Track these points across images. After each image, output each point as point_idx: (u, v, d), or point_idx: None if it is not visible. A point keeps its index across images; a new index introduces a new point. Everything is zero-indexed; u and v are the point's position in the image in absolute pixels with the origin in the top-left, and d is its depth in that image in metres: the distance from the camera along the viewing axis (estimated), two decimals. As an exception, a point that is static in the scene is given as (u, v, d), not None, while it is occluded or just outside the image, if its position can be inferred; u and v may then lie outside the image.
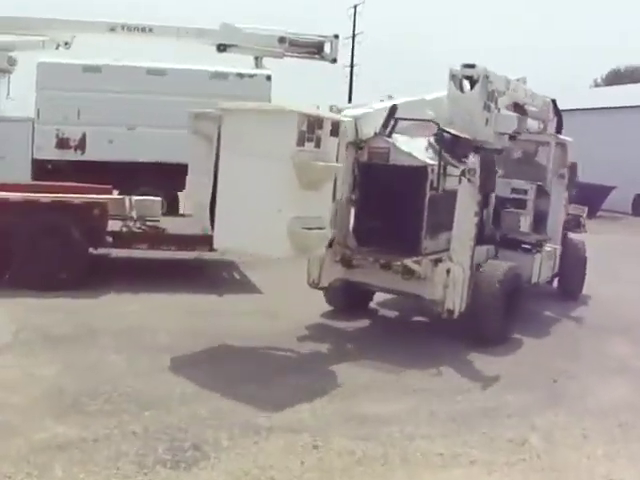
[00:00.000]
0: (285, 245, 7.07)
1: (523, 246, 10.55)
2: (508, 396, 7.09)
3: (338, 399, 6.66)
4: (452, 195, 8.40)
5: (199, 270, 11.96)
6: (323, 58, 17.84)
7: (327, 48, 17.79)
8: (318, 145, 7.20)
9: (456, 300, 8.21)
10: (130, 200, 11.62)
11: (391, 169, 8.44)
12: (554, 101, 11.51)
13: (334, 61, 17.93)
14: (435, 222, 8.53)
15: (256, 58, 17.89)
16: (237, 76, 16.25)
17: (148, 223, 11.17)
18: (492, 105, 9.03)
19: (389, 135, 8.78)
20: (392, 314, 10.20)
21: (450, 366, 7.87)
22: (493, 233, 10.06)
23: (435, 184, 8.42)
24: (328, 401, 6.59)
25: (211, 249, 10.56)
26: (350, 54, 57.28)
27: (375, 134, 8.68)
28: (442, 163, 8.48)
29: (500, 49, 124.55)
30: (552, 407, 6.90)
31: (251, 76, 16.41)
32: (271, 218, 6.96)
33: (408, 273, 8.51)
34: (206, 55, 17.84)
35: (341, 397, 6.72)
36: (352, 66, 59.41)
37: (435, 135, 8.89)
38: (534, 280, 10.38)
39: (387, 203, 8.24)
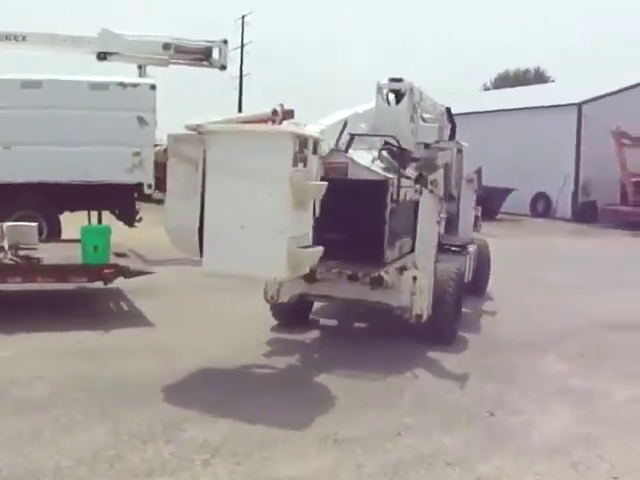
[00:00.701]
0: (284, 265, 7.07)
1: (452, 249, 11.16)
2: (444, 438, 6.17)
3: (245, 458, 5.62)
4: (405, 205, 8.88)
5: (82, 301, 10.79)
6: (212, 65, 16.90)
7: (215, 54, 16.87)
8: (305, 164, 7.21)
9: (423, 305, 8.62)
10: (1, 227, 10.43)
11: (350, 183, 8.45)
12: (448, 109, 11.66)
13: (223, 68, 17.00)
14: (393, 232, 8.71)
15: (140, 67, 16.82)
16: (119, 86, 15.04)
17: (21, 253, 9.94)
18: (415, 117, 9.82)
19: (346, 150, 8.81)
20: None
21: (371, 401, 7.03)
22: None
23: (395, 196, 8.60)
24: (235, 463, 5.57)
25: (90, 280, 9.62)
26: (239, 64, 57.17)
27: (332, 150, 8.55)
28: (398, 176, 8.74)
29: (387, 54, 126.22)
30: (495, 449, 6.00)
31: (134, 85, 15.21)
32: (271, 239, 6.96)
33: (376, 283, 8.79)
34: (98, 65, 16.75)
35: (247, 456, 5.66)
36: (241, 76, 59.11)
37: (385, 148, 9.35)
38: (466, 279, 10.94)
39: (348, 216, 8.23)
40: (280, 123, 29.82)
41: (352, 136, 9.06)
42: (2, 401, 6.50)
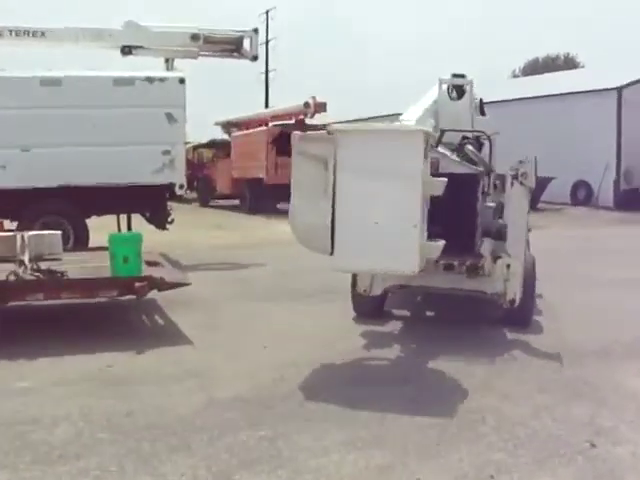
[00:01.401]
0: (417, 259, 7.31)
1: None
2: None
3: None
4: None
5: (112, 315, 9.79)
6: (242, 56, 15.90)
7: (246, 44, 15.84)
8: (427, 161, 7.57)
9: (517, 290, 8.88)
10: (22, 237, 9.52)
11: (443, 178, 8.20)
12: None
13: (255, 59, 16.02)
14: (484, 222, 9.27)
15: (167, 60, 15.84)
16: (145, 81, 14.07)
17: (43, 266, 8.97)
18: (473, 111, 10.66)
19: (436, 145, 9.01)
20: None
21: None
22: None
23: (485, 189, 9.42)
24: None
25: (121, 294, 8.62)
26: (265, 59, 56.68)
27: None
28: (487, 169, 9.64)
29: (419, 41, 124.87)
30: None
31: (162, 80, 14.23)
32: (406, 234, 7.22)
33: (472, 271, 9.14)
34: (118, 61, 15.85)
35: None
36: (267, 71, 58.61)
37: (466, 143, 9.98)
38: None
39: (441, 209, 7.95)
40: (312, 116, 28.97)
41: (442, 131, 9.67)
42: (19, 449, 5.46)
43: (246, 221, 26.01)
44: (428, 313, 11.11)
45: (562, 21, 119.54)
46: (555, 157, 31.85)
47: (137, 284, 8.48)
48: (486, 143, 10.70)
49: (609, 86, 34.01)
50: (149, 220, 15.23)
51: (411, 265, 7.37)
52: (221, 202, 33.43)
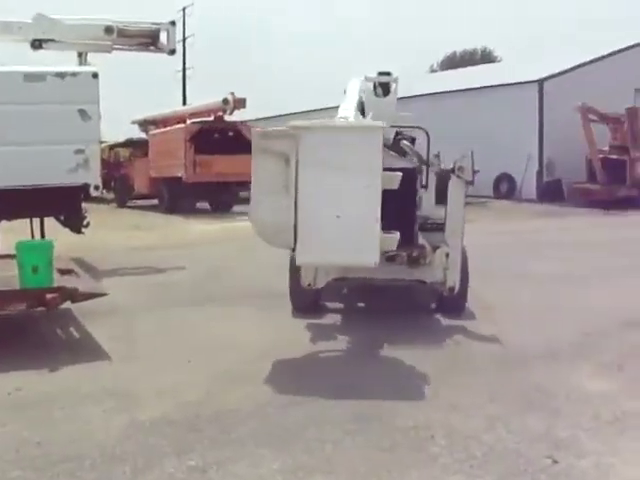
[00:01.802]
0: (377, 252, 7.64)
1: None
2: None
3: None
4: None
5: (22, 329, 8.92)
6: (159, 49, 15.22)
7: (163, 38, 15.16)
8: None
9: (456, 278, 9.34)
10: None
11: None
12: None
13: (172, 52, 15.36)
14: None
15: (80, 54, 15.06)
16: (57, 76, 13.26)
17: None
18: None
19: None
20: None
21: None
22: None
23: (424, 182, 10.01)
24: None
25: (30, 307, 7.91)
26: (182, 57, 55.96)
27: None
28: (424, 164, 10.05)
29: (335, 36, 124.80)
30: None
31: (74, 75, 13.42)
32: (367, 228, 7.53)
33: (413, 262, 9.35)
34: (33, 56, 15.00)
35: None
36: (184, 69, 57.86)
37: (401, 138, 10.20)
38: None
39: (383, 203, 7.91)
40: (232, 112, 28.28)
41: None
42: None
43: (164, 221, 25.25)
44: (360, 304, 11.24)
45: (478, 17, 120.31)
46: (476, 151, 31.74)
47: (48, 296, 7.76)
48: (423, 137, 10.86)
49: (530, 79, 34.21)
50: (63, 223, 14.42)
51: (372, 257, 7.68)
52: (139, 202, 32.53)
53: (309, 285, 9.46)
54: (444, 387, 6.99)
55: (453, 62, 71.97)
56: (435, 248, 9.41)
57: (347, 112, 9.36)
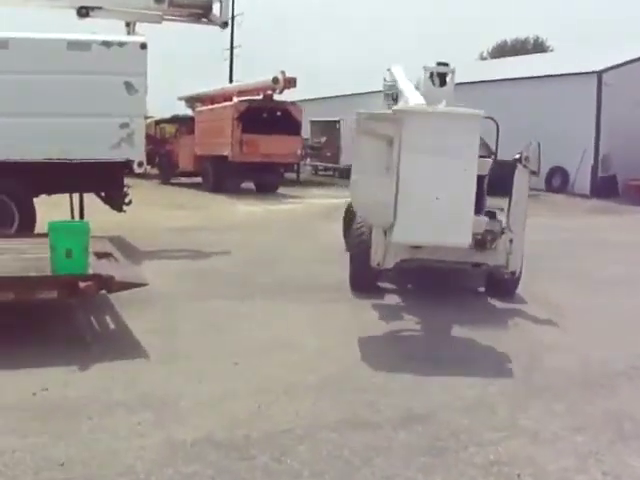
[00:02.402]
0: (470, 233, 8.21)
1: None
2: None
3: None
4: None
5: (53, 316, 8.00)
6: (211, 21, 14.39)
7: (216, 9, 14.33)
8: None
9: (517, 263, 9.59)
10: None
11: None
12: None
13: (225, 25, 14.53)
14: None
15: (128, 24, 14.30)
16: (102, 45, 12.51)
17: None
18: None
19: None
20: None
21: None
22: None
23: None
24: None
25: (62, 296, 7.13)
26: (230, 34, 55.36)
27: None
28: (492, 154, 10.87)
29: (384, 23, 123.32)
30: None
31: (121, 45, 12.67)
32: (463, 210, 8.08)
33: (479, 245, 9.37)
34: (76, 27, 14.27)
35: None
36: (232, 47, 57.11)
37: None
38: None
39: None
40: (282, 92, 27.53)
41: None
42: None
43: (209, 201, 24.55)
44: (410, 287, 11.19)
45: (531, 4, 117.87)
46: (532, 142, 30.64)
47: (82, 284, 6.96)
48: (492, 127, 11.35)
49: (591, 69, 32.91)
50: (104, 200, 13.76)
51: (466, 238, 8.27)
52: (183, 180, 31.88)
53: (378, 265, 9.38)
54: (520, 410, 6.12)
55: (504, 51, 70.25)
56: (500, 233, 9.53)
57: (417, 99, 9.83)
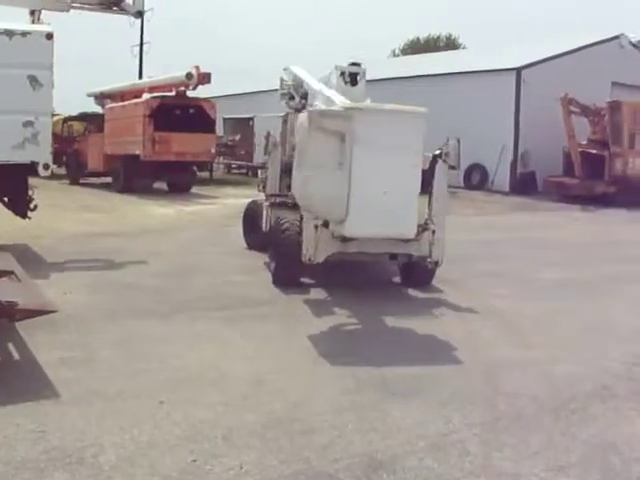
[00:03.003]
0: (415, 224, 9.02)
1: None
2: None
3: None
4: None
5: None
6: (124, 10, 13.31)
7: (130, -2, 13.25)
8: None
9: (440, 253, 9.86)
10: None
11: None
12: None
13: (139, 15, 13.50)
14: None
15: (32, 12, 13.10)
16: (3, 35, 11.32)
17: None
18: None
19: None
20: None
21: None
22: None
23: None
24: None
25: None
26: (140, 31, 54.01)
27: None
28: None
29: (294, 20, 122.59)
30: None
31: (24, 34, 11.50)
32: (410, 203, 8.74)
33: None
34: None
35: None
36: (142, 43, 55.65)
37: None
38: None
39: None
40: (195, 88, 26.39)
41: None
42: None
43: (120, 202, 23.40)
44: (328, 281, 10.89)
45: (444, 4, 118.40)
46: (450, 139, 30.16)
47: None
48: None
49: (507, 66, 32.73)
50: (7, 205, 12.55)
51: (412, 230, 8.99)
52: (92, 180, 30.45)
53: (309, 260, 9.53)
54: (493, 448, 5.34)
55: (416, 48, 70.09)
56: (423, 226, 9.77)
57: (340, 97, 10.00)
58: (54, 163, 31.36)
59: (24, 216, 12.37)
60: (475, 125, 31.68)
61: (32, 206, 12.46)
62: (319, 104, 10.55)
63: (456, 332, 8.47)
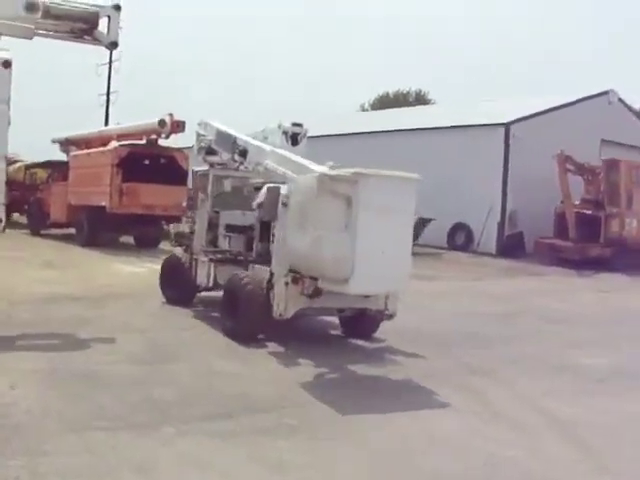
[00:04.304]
0: (407, 279, 9.41)
1: None
2: None
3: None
4: None
5: None
6: (96, 40, 11.30)
7: (102, 26, 11.31)
8: None
9: (395, 307, 10.50)
10: None
11: None
12: None
13: (113, 46, 11.46)
14: None
15: (-14, 38, 11.11)
16: (-50, 62, 9.34)
17: None
18: None
19: None
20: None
21: None
22: None
23: None
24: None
25: None
26: (107, 79, 52.93)
27: None
28: None
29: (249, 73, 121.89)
30: None
31: (-24, 62, 9.54)
32: (404, 261, 9.19)
33: None
34: None
35: None
36: (109, 91, 54.56)
37: None
38: None
39: None
40: (168, 136, 24.47)
41: None
42: None
43: (83, 257, 21.50)
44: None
45: (412, 61, 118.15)
46: (430, 197, 28.31)
47: None
48: None
49: (496, 121, 31.24)
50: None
51: (405, 284, 9.46)
52: (55, 231, 28.31)
53: (280, 315, 10.01)
54: None
55: (386, 102, 68.86)
56: None
57: (294, 156, 10.72)
58: (15, 211, 29.21)
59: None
60: (459, 182, 30.37)
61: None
62: (271, 163, 10.86)
63: (529, 462, 6.46)
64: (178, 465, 5.78)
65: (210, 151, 13.39)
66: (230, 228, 12.67)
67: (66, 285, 15.17)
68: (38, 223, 29.16)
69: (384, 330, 11.29)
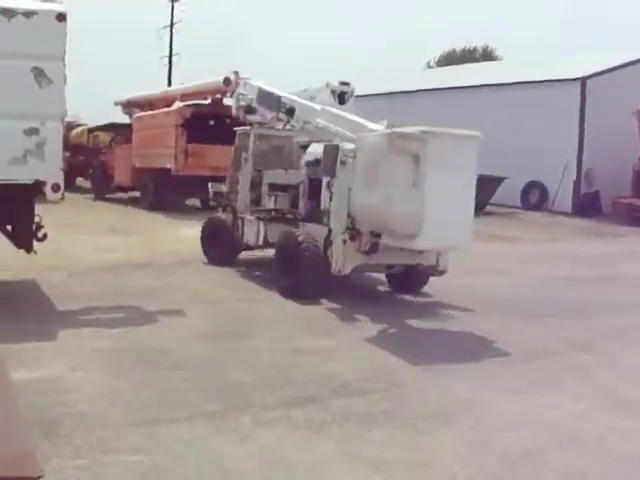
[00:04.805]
0: (470, 236, 9.46)
1: None
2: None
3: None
4: None
5: None
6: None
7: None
8: None
9: (446, 263, 10.82)
10: None
11: None
12: None
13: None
14: None
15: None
16: (1, 15, 8.59)
17: None
18: None
19: None
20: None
21: None
22: None
23: None
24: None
25: None
26: (169, 41, 52.91)
27: None
28: None
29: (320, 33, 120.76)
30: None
31: (28, 15, 8.71)
32: (467, 218, 9.36)
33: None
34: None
35: None
36: (171, 54, 54.26)
37: None
38: None
39: None
40: (233, 92, 23.67)
41: None
42: None
43: (148, 221, 20.95)
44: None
45: (478, 17, 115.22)
46: (502, 155, 27.18)
47: None
48: None
49: (571, 76, 29.76)
50: (8, 236, 9.85)
51: (469, 240, 9.54)
52: (119, 195, 27.95)
53: (339, 272, 10.29)
54: None
55: (452, 60, 66.99)
56: None
57: (351, 115, 10.85)
58: (79, 176, 28.70)
59: (29, 249, 9.69)
60: (534, 140, 29.07)
61: (40, 235, 9.74)
62: (323, 122, 10.95)
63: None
64: (259, 466, 4.98)
65: (249, 110, 13.40)
66: (273, 187, 12.62)
67: (130, 252, 14.62)
68: (102, 187, 28.87)
69: (470, 298, 11.06)
